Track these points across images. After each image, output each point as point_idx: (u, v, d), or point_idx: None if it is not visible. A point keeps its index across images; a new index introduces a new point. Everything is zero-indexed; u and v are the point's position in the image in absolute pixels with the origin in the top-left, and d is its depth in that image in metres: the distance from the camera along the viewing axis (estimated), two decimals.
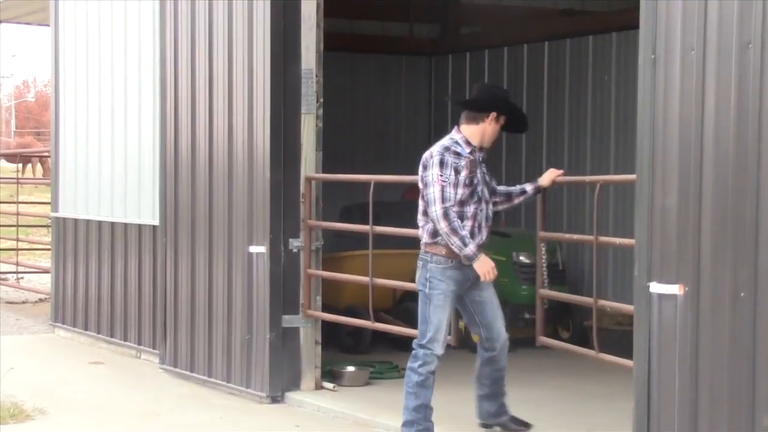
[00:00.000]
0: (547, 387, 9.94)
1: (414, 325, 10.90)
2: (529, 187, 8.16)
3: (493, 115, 7.74)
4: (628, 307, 7.12)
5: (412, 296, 9.30)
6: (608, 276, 13.02)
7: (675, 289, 6.26)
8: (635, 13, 6.64)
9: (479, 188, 7.68)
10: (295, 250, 9.59)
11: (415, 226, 7.83)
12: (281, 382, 9.59)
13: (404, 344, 9.96)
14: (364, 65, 14.85)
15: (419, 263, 7.71)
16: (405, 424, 7.62)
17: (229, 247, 10.05)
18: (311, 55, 9.58)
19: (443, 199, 7.48)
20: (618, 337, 11.09)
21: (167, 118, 10.99)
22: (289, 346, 9.63)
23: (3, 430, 8.58)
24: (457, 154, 7.61)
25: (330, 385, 9.70)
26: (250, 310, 9.78)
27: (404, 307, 10.96)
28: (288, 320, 9.62)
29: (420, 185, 7.66)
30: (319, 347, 9.77)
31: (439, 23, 15.46)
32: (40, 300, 16.12)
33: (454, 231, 7.48)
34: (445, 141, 7.71)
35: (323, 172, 9.73)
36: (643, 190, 6.49)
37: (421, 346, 7.64)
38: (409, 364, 7.68)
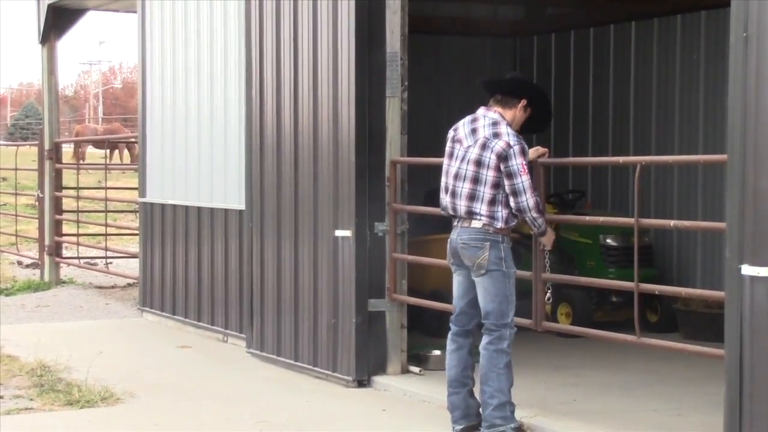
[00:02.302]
0: (633, 371, 9.85)
1: None
2: None
3: (524, 102, 7.73)
4: (694, 291, 6.99)
5: None
6: (696, 260, 12.84)
7: (767, 272, 6.14)
8: None
9: None
10: (380, 234, 9.59)
11: None
12: (367, 366, 9.60)
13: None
14: (449, 48, 14.76)
15: (483, 242, 7.57)
16: (498, 407, 7.50)
17: (315, 231, 10.07)
18: (396, 38, 9.55)
19: (533, 188, 7.53)
20: (707, 321, 10.97)
21: (253, 102, 11.03)
22: (375, 330, 9.64)
23: (93, 412, 8.69)
24: None
25: (416, 369, 9.69)
26: (336, 294, 9.79)
27: None
28: (374, 304, 9.62)
29: (473, 169, 7.57)
30: (405, 331, 9.76)
31: (524, 4, 15.32)
32: (129, 285, 16.30)
33: (541, 214, 7.63)
34: (509, 128, 7.61)
35: (408, 155, 9.70)
36: (735, 172, 6.36)
37: (506, 326, 7.57)
38: (495, 346, 7.55)
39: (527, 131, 7.96)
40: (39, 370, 9.96)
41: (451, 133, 7.85)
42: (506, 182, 7.51)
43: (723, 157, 6.69)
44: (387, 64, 9.54)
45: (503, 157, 7.50)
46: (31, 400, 9.00)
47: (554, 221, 11.43)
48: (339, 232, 9.70)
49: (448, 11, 14.67)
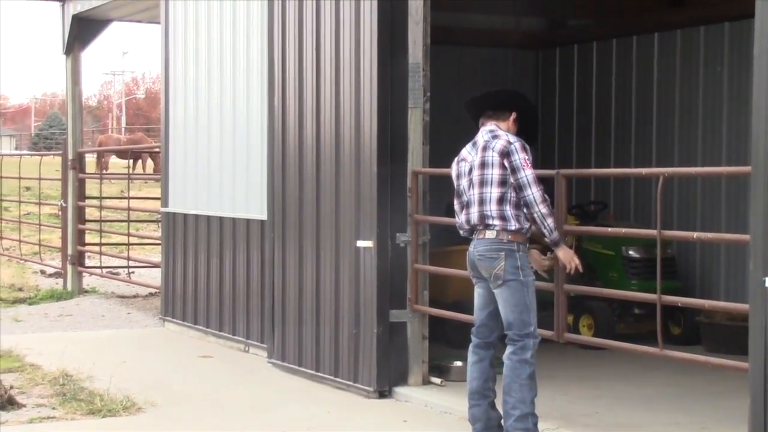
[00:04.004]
0: (656, 383, 9.82)
1: None
2: None
3: (515, 115, 7.75)
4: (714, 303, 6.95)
5: None
6: (720, 272, 12.80)
7: None
8: (749, 2, 6.49)
9: None
10: (402, 245, 9.58)
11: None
12: (389, 377, 9.59)
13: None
14: (471, 59, 14.76)
15: (498, 252, 7.51)
16: (520, 418, 7.43)
17: (337, 241, 10.07)
18: (418, 49, 9.56)
19: (537, 182, 7.49)
20: (731, 334, 10.91)
21: (275, 113, 11.06)
22: (397, 341, 9.63)
23: (115, 422, 8.70)
24: None
25: (437, 380, 9.68)
26: (357, 305, 9.79)
27: None
28: (395, 315, 9.61)
29: (478, 173, 7.54)
30: (427, 342, 9.74)
31: (546, 16, 15.31)
32: (151, 294, 16.34)
33: (551, 213, 7.51)
34: (503, 131, 7.64)
35: (430, 166, 9.70)
36: (759, 183, 6.32)
37: (528, 335, 7.51)
38: (518, 356, 7.49)
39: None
40: (61, 378, 9.99)
41: (454, 164, 7.87)
42: (512, 179, 7.50)
43: (747, 168, 6.65)
44: (409, 74, 9.55)
45: (505, 153, 7.50)
46: (54, 408, 9.02)
47: (576, 233, 11.45)
48: (361, 243, 9.71)
49: (470, 22, 14.67)
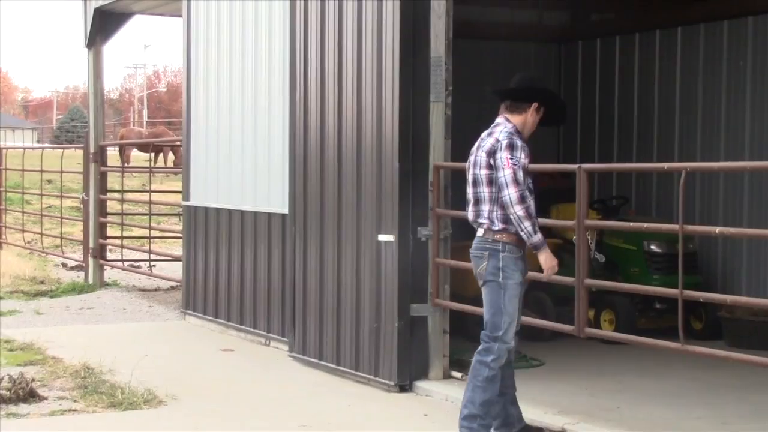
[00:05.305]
0: (677, 378, 9.79)
1: (543, 315, 10.84)
2: None
3: (535, 105, 7.56)
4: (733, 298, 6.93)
5: (540, 285, 9.21)
6: (742, 267, 12.75)
7: None
8: None
9: (529, 179, 7.49)
10: (423, 239, 9.57)
11: (544, 215, 7.68)
12: (409, 371, 9.59)
13: (532, 333, 9.90)
14: (493, 53, 14.74)
15: (483, 252, 7.43)
16: (467, 417, 7.39)
17: (358, 235, 10.07)
18: (440, 43, 9.54)
19: (517, 182, 7.28)
20: (753, 329, 10.88)
21: (297, 107, 11.05)
22: (418, 335, 9.62)
23: (136, 414, 8.72)
24: (522, 140, 7.46)
25: (458, 374, 9.67)
26: (378, 299, 9.79)
27: (533, 296, 10.86)
28: (416, 309, 9.61)
29: (473, 172, 7.47)
30: (447, 336, 9.74)
31: (569, 9, 15.27)
32: (172, 287, 16.37)
33: (529, 216, 7.26)
34: (507, 128, 7.48)
35: (451, 160, 9.68)
36: None
37: (496, 339, 7.40)
38: (479, 357, 7.43)
39: (548, 124, 7.81)
40: (83, 371, 10.03)
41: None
42: (483, 177, 7.41)
43: None
44: (431, 68, 9.53)
45: (492, 152, 7.39)
46: (75, 401, 9.05)
47: (598, 227, 11.42)
48: (382, 237, 9.70)
49: (492, 16, 14.64)
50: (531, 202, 7.32)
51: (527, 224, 7.26)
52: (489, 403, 7.39)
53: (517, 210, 7.25)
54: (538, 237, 7.30)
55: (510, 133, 7.43)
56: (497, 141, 7.39)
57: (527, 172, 7.40)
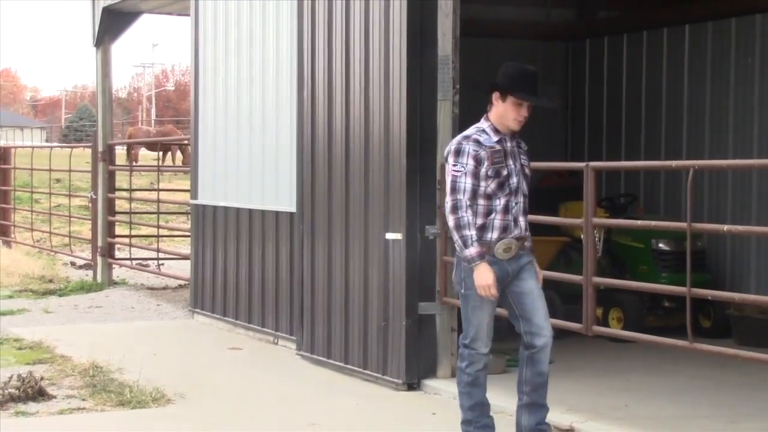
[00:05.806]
0: (685, 376, 9.78)
1: (552, 313, 10.84)
2: None
3: (496, 94, 7.12)
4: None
5: (550, 284, 9.20)
6: (750, 265, 12.74)
7: None
8: None
9: (512, 180, 7.09)
10: (431, 237, 9.57)
11: (553, 213, 7.66)
12: (417, 369, 9.59)
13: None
14: (500, 51, 14.70)
15: (454, 262, 7.27)
16: (463, 422, 7.41)
17: (366, 233, 10.07)
18: (448, 41, 9.53)
19: (454, 191, 7.00)
20: (762, 327, 10.86)
21: (304, 104, 11.06)
22: (426, 333, 9.62)
23: (144, 413, 8.73)
24: (478, 143, 7.06)
25: None
26: (386, 297, 9.79)
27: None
28: (424, 307, 9.61)
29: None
30: (455, 334, 9.72)
31: (576, 7, 15.26)
32: (180, 286, 16.38)
33: (458, 227, 6.96)
34: (469, 130, 7.22)
35: None
36: None
37: (466, 346, 7.29)
38: (458, 363, 7.41)
39: (536, 103, 7.21)
40: (91, 370, 10.04)
41: None
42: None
43: None
44: (438, 67, 9.52)
45: (446, 160, 7.20)
46: (84, 400, 9.07)
47: (606, 225, 11.40)
48: (390, 235, 9.70)
49: (500, 14, 14.63)
50: (465, 213, 6.96)
51: (456, 236, 6.99)
52: (478, 406, 7.35)
53: (449, 220, 7.02)
54: (469, 251, 6.95)
55: (465, 136, 7.14)
56: (450, 147, 7.17)
57: (496, 175, 7.04)
